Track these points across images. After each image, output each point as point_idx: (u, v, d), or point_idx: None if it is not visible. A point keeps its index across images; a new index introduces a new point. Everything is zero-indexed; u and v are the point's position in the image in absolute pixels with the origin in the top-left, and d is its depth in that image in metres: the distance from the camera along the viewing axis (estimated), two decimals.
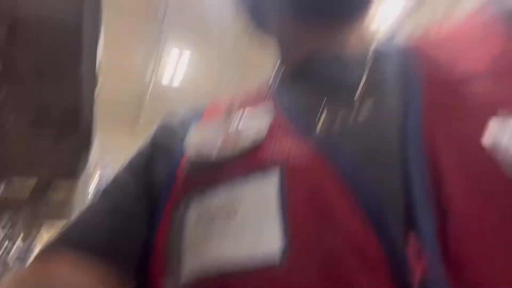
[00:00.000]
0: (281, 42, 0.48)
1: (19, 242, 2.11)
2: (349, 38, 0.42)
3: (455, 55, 0.37)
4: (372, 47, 0.42)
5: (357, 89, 0.38)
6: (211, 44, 4.36)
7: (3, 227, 1.88)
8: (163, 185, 0.41)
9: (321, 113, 0.37)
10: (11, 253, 2.04)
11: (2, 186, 1.31)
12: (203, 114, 0.47)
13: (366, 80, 0.39)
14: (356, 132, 0.35)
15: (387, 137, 0.33)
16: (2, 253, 1.97)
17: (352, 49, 0.42)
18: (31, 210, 1.69)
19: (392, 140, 0.33)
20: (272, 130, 0.37)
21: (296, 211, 0.32)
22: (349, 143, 0.34)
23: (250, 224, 0.32)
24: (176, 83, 5.20)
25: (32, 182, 1.32)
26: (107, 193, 0.43)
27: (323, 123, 0.36)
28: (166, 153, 0.43)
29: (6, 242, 1.99)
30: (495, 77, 0.34)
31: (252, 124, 0.39)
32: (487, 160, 0.29)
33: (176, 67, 4.88)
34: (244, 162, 0.36)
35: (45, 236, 2.26)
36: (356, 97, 0.38)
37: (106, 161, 3.53)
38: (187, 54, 4.70)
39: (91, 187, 2.74)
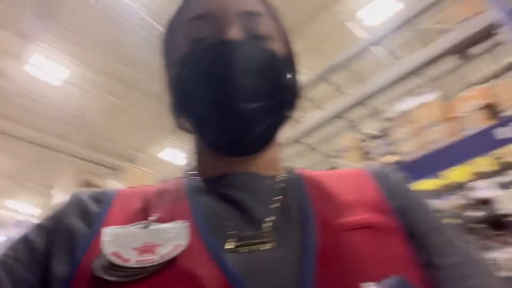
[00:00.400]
0: (197, 154, 0.54)
1: None
2: (260, 162, 0.51)
3: (341, 197, 0.48)
4: (280, 174, 0.52)
5: (264, 214, 0.45)
6: None
7: None
8: (63, 273, 0.41)
9: (231, 236, 0.42)
10: None
11: None
12: (113, 203, 0.48)
13: (273, 206, 0.46)
14: (260, 268, 0.40)
15: (286, 280, 0.39)
16: None
17: (265, 171, 0.51)
18: None
19: (290, 283, 0.38)
20: (187, 251, 0.40)
21: None
22: (253, 280, 0.38)
23: None
24: None
25: None
26: None
27: (232, 248, 0.41)
28: (68, 237, 0.44)
29: None
30: (371, 232, 0.44)
31: (170, 240, 0.41)
32: None
33: None
34: (158, 280, 0.38)
35: None
36: (263, 224, 0.44)
37: None
38: None
39: None
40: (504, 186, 2.22)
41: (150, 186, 0.53)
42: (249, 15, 0.50)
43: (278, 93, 0.48)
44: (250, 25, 0.49)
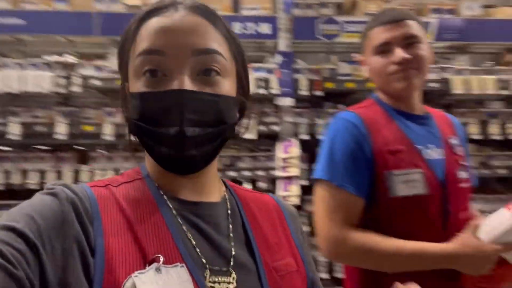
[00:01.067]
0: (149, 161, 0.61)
1: None
2: (205, 184, 0.61)
3: (269, 235, 0.63)
4: (223, 195, 0.64)
5: (227, 246, 0.57)
6: None
7: None
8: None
9: (208, 269, 0.53)
10: None
11: None
12: (101, 217, 0.52)
13: (229, 235, 0.59)
14: None
15: None
16: None
17: (212, 194, 0.62)
18: None
19: None
20: None
21: None
22: None
23: None
24: None
25: None
26: None
27: (210, 284, 0.53)
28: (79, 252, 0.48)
29: None
30: (293, 277, 0.61)
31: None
32: None
33: None
34: None
35: None
36: (230, 258, 0.56)
37: None
38: None
39: None
40: None
41: (114, 183, 0.58)
42: (201, 53, 0.54)
43: (215, 128, 0.55)
44: (200, 64, 0.54)
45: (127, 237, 0.51)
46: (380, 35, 1.12)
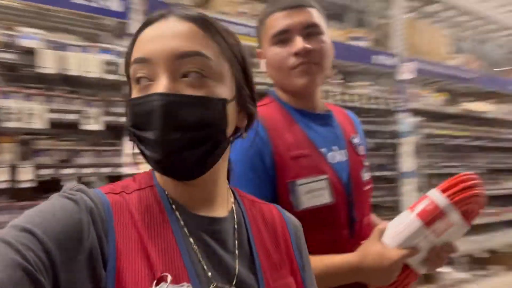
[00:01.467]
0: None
1: None
2: (212, 196, 0.62)
3: (273, 252, 0.65)
4: (230, 209, 0.65)
5: (232, 263, 0.59)
6: None
7: None
8: None
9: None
10: None
11: None
12: (115, 226, 0.53)
13: (235, 251, 0.61)
14: None
15: None
16: None
17: (220, 208, 0.63)
18: None
19: None
20: None
21: None
22: None
23: None
24: None
25: None
26: None
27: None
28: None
29: None
30: None
31: None
32: None
33: None
34: None
35: None
36: (234, 277, 0.58)
37: None
38: None
39: None
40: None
41: (128, 190, 0.59)
42: (184, 56, 0.54)
43: (199, 131, 0.55)
44: (183, 67, 0.55)
45: (138, 253, 0.52)
46: (278, 21, 1.01)
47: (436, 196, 0.89)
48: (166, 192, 0.60)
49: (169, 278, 0.50)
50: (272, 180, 0.95)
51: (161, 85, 0.53)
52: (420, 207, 0.90)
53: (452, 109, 4.20)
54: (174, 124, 0.53)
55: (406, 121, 3.56)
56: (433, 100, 4.04)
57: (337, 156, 1.05)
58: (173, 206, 0.59)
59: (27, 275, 0.41)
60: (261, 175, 0.94)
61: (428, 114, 3.86)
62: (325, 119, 1.09)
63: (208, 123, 0.55)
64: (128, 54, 0.59)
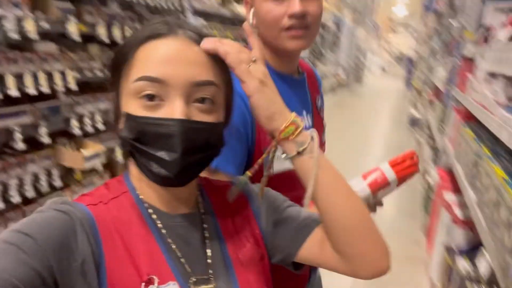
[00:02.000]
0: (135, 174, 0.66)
1: None
2: (187, 196, 0.67)
3: (235, 231, 0.72)
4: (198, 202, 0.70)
5: (203, 256, 0.65)
6: None
7: None
8: None
9: (190, 275, 0.62)
10: None
11: None
12: (99, 232, 0.57)
13: (205, 240, 0.67)
14: None
15: None
16: None
17: (190, 203, 0.68)
18: None
19: None
20: None
21: None
22: None
23: None
24: None
25: None
26: None
27: None
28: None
29: None
30: (258, 265, 0.71)
31: None
32: None
33: None
34: None
35: None
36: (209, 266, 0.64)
37: None
38: None
39: None
40: None
41: (104, 200, 0.62)
42: (200, 85, 0.58)
43: (207, 153, 0.61)
44: (197, 94, 0.59)
45: (124, 258, 0.57)
46: None
47: (387, 170, 1.00)
48: (140, 196, 0.64)
49: (156, 280, 0.56)
50: (250, 146, 0.94)
51: (178, 110, 0.56)
52: (372, 177, 0.99)
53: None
54: (191, 148, 0.57)
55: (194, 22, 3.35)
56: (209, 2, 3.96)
57: (306, 121, 1.05)
58: (150, 210, 0.63)
59: (38, 275, 0.46)
60: (242, 143, 0.92)
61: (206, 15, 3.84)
62: (300, 84, 1.08)
63: (213, 145, 0.62)
64: (125, 55, 0.60)
